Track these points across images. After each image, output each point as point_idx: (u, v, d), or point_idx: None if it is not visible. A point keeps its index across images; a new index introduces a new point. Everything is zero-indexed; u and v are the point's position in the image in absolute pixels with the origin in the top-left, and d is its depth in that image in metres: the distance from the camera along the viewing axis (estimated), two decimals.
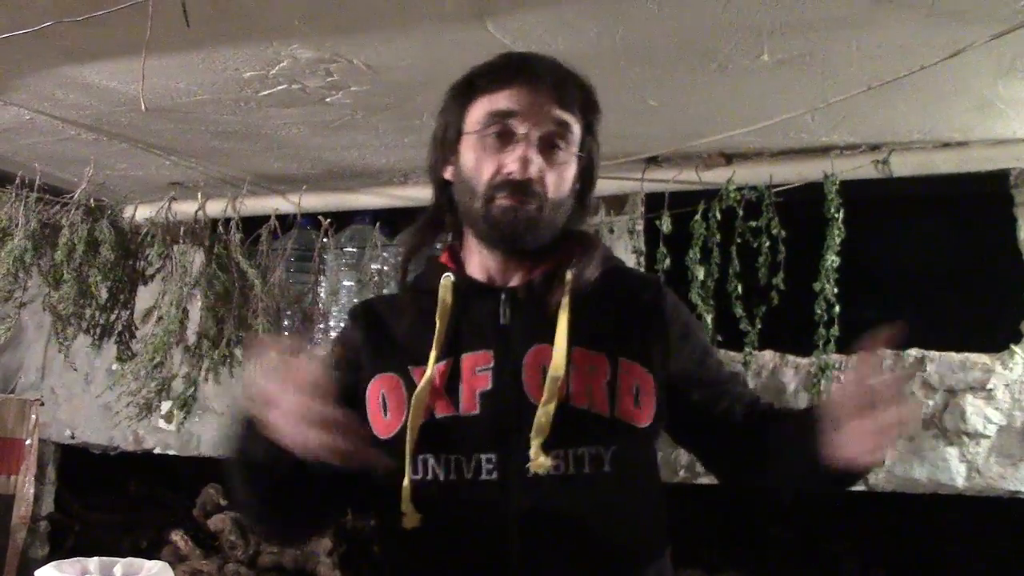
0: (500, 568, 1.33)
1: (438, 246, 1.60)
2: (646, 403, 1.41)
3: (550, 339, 1.38)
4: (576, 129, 1.43)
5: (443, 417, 1.39)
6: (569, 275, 1.43)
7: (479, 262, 1.48)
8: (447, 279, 1.46)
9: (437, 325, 1.42)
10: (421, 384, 1.38)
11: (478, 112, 1.42)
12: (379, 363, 1.47)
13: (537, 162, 1.38)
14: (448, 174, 1.48)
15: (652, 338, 1.46)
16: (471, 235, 1.49)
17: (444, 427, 1.38)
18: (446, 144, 1.48)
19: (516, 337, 1.41)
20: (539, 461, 1.31)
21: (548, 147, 1.40)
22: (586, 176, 1.48)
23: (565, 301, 1.40)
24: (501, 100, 1.40)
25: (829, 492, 1.34)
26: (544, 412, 1.33)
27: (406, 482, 1.35)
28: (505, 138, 1.40)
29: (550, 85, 1.40)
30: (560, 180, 1.41)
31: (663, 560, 1.47)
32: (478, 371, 1.39)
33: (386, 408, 1.43)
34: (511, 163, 1.37)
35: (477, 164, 1.41)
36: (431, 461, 1.38)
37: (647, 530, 1.45)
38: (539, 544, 1.33)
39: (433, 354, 1.40)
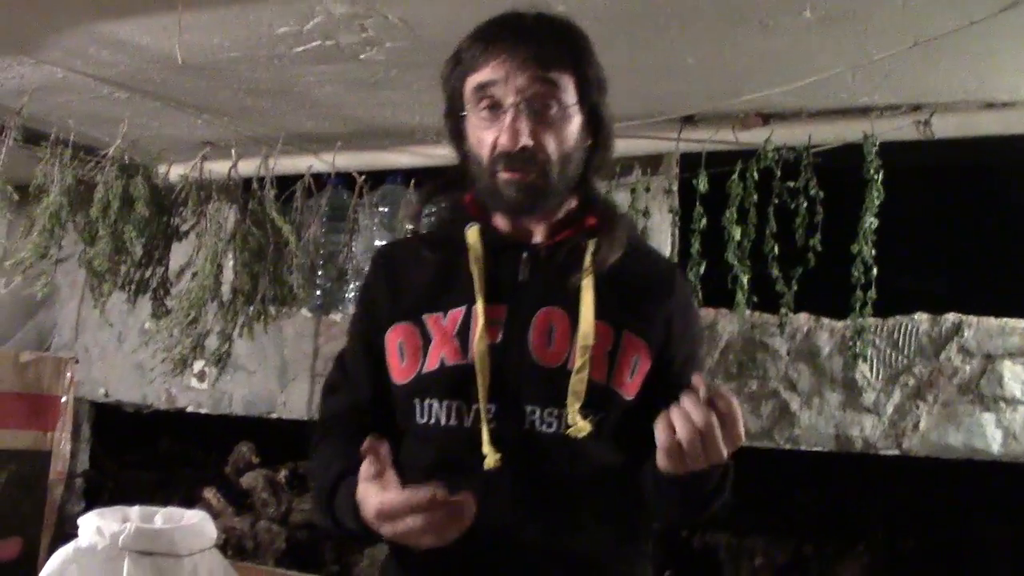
0: (490, 512, 1.34)
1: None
2: (637, 379, 1.46)
3: (560, 303, 1.44)
4: (566, 83, 1.42)
5: (452, 365, 1.44)
6: (590, 250, 1.46)
7: (504, 219, 1.53)
8: (474, 228, 1.50)
9: (474, 273, 1.45)
10: (479, 332, 1.41)
11: (468, 89, 1.45)
12: (396, 312, 1.51)
13: (527, 128, 1.39)
14: (465, 150, 1.52)
15: (657, 320, 1.49)
16: None
17: (451, 374, 1.43)
18: (454, 125, 1.53)
19: (530, 296, 1.46)
20: (578, 425, 1.37)
21: (539, 108, 1.41)
22: (595, 126, 1.49)
23: (589, 277, 1.43)
24: (485, 73, 1.42)
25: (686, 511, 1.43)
26: (579, 379, 1.38)
27: (484, 425, 1.39)
28: (495, 110, 1.42)
29: (529, 47, 1.40)
30: (560, 138, 1.43)
31: (641, 538, 1.53)
32: (491, 324, 1.43)
33: (403, 355, 1.49)
34: (502, 136, 1.40)
35: (478, 142, 1.45)
36: (435, 406, 1.44)
37: (629, 502, 1.47)
38: (526, 494, 1.39)
39: (480, 304, 1.43)
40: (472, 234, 1.49)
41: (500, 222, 1.52)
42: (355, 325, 1.65)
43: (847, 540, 3.16)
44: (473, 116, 1.45)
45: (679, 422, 1.21)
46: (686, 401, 1.21)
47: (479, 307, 1.43)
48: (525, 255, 1.48)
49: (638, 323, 1.45)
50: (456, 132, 1.52)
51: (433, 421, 1.44)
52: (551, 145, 1.41)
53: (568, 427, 1.38)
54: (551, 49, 1.42)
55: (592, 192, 1.56)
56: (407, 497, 1.22)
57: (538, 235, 1.50)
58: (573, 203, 1.53)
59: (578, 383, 1.38)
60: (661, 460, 1.26)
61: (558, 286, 1.45)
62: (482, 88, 1.42)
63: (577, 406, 1.37)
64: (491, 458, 1.36)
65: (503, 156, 1.40)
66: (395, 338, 1.50)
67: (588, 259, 1.45)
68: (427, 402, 1.45)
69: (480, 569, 1.40)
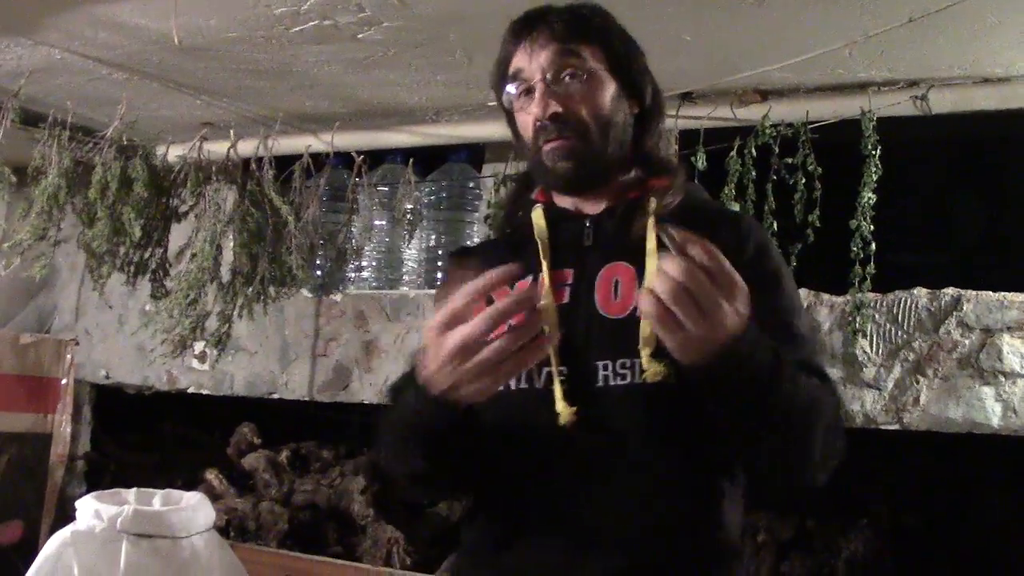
0: (565, 476, 1.36)
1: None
2: None
3: (627, 258, 1.43)
4: (588, 53, 1.46)
5: None
6: (652, 202, 1.45)
7: (566, 198, 1.56)
8: (538, 208, 1.54)
9: (540, 244, 1.48)
10: (544, 291, 1.39)
11: (509, 81, 1.51)
12: None
13: (556, 98, 1.44)
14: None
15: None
16: None
17: None
18: (512, 125, 1.57)
19: (595, 257, 1.47)
20: (653, 369, 1.30)
21: (567, 79, 1.45)
22: (633, 89, 1.51)
23: (651, 224, 1.41)
24: (514, 62, 1.49)
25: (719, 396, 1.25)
26: (647, 323, 1.31)
27: (557, 384, 1.36)
28: (531, 94, 1.47)
29: (548, 26, 1.46)
30: (593, 104, 1.46)
31: (725, 523, 1.45)
32: (558, 287, 1.44)
33: None
34: (535, 111, 1.45)
35: (524, 127, 1.51)
36: None
37: (712, 452, 1.39)
38: (604, 452, 1.36)
39: (545, 266, 1.45)
40: (537, 213, 1.53)
41: (565, 202, 1.55)
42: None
43: (850, 515, 3.17)
44: (516, 107, 1.51)
45: (658, 283, 1.13)
46: (662, 261, 1.14)
47: (544, 271, 1.45)
48: (588, 223, 1.50)
49: None
50: (516, 132, 1.56)
51: (503, 387, 1.38)
52: (583, 110, 1.44)
53: (643, 372, 1.32)
54: (569, 25, 1.46)
55: (650, 159, 1.56)
56: (485, 275, 1.23)
57: (600, 209, 1.52)
58: (632, 174, 1.54)
59: (648, 327, 1.32)
60: (668, 344, 1.17)
61: (622, 243, 1.45)
62: (515, 76, 1.48)
63: (649, 351, 1.32)
64: (565, 413, 1.33)
65: (541, 129, 1.45)
66: None
67: (651, 205, 1.44)
68: None
69: (551, 536, 1.37)
